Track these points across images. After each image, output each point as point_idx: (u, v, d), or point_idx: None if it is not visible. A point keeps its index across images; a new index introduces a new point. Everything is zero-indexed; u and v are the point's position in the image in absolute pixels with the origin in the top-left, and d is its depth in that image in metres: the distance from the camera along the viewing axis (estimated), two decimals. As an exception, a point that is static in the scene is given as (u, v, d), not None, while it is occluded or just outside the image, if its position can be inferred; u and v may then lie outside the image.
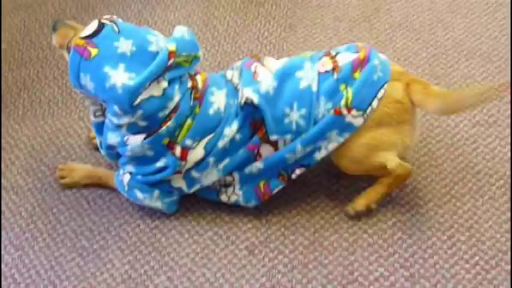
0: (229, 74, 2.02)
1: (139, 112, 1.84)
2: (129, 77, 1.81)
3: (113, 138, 1.95)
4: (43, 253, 2.01)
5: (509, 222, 1.98)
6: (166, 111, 1.87)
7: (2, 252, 2.02)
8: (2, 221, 2.10)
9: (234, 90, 1.96)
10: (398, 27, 2.70)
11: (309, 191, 2.09)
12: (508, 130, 2.24)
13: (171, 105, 1.87)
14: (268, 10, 2.83)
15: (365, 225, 2.00)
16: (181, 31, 1.92)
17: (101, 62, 1.83)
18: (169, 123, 1.88)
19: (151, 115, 1.86)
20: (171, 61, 1.84)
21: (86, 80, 1.85)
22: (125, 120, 1.87)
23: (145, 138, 1.90)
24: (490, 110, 2.31)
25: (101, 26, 1.86)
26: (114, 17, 1.93)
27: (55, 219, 2.10)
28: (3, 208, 2.14)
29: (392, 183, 1.98)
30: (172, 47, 1.85)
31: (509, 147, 2.19)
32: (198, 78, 1.96)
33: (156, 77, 1.83)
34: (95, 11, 2.90)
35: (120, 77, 1.81)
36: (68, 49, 1.92)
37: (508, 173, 2.11)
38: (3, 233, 2.07)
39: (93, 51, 1.83)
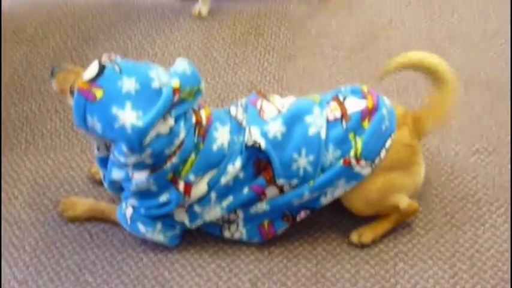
0: (233, 110, 2.04)
1: (148, 151, 1.85)
2: (137, 115, 1.82)
3: (117, 174, 1.97)
4: (47, 287, 2.02)
5: (511, 251, 1.98)
6: (172, 148, 1.88)
7: (6, 287, 2.03)
8: (6, 255, 2.12)
9: (238, 127, 1.98)
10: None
11: (311, 222, 2.10)
12: (508, 157, 2.26)
13: (177, 141, 1.88)
14: (267, 40, 2.86)
15: (367, 255, 2.01)
16: (182, 65, 1.94)
17: (107, 103, 1.83)
18: (173, 159, 1.89)
19: (158, 153, 1.87)
20: (176, 97, 1.86)
21: (93, 122, 1.86)
22: (132, 159, 1.87)
23: (150, 174, 1.91)
24: (489, 138, 2.33)
25: (102, 67, 1.87)
26: (113, 55, 1.95)
27: (58, 253, 2.11)
28: (6, 242, 2.15)
29: (399, 219, 2.03)
30: (176, 83, 1.86)
31: (509, 174, 2.20)
32: (202, 113, 1.97)
33: (163, 115, 1.85)
34: (96, 43, 2.93)
35: (128, 117, 1.82)
36: (71, 93, 1.93)
37: (509, 200, 2.12)
38: (6, 267, 2.08)
39: (98, 93, 1.84)
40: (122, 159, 1.89)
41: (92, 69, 1.87)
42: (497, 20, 2.85)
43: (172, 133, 1.87)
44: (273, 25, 2.88)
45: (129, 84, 1.84)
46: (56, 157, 2.43)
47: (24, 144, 2.50)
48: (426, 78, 2.04)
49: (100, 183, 2.28)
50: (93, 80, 1.85)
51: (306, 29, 2.90)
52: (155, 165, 1.90)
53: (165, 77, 1.89)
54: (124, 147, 1.85)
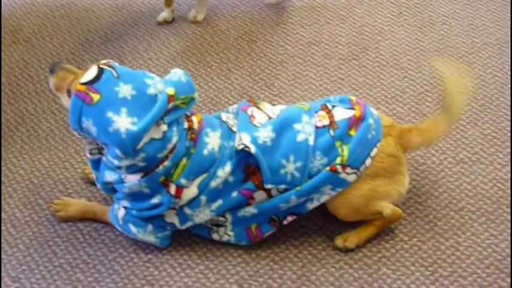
0: (224, 116, 2.09)
1: (141, 155, 1.90)
2: (132, 121, 1.87)
3: (110, 176, 2.02)
4: (39, 285, 2.06)
5: (490, 258, 2.05)
6: (165, 152, 1.93)
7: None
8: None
9: (229, 132, 2.03)
10: (386, 65, 2.78)
11: (297, 226, 2.15)
12: (491, 167, 2.32)
13: (170, 146, 1.93)
14: (260, 47, 2.91)
15: (351, 260, 2.07)
16: (178, 74, 1.99)
17: (103, 107, 1.88)
18: (166, 162, 1.94)
19: (151, 157, 1.92)
20: (170, 105, 1.91)
21: (88, 125, 1.91)
22: (125, 162, 1.92)
23: (142, 177, 1.96)
24: (473, 147, 2.39)
25: (101, 71, 1.92)
26: (111, 61, 2.00)
27: (51, 251, 2.16)
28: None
29: (383, 225, 2.09)
30: (171, 91, 1.92)
31: (491, 184, 2.26)
32: (194, 119, 2.03)
33: (157, 121, 1.90)
34: (92, 46, 2.98)
35: (123, 122, 1.87)
36: (68, 93, 1.98)
37: (490, 209, 2.18)
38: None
39: (95, 97, 1.89)
40: (115, 162, 1.94)
41: (91, 73, 1.92)
42: (486, 33, 2.91)
43: (165, 138, 1.92)
44: (266, 32, 2.94)
45: (125, 90, 1.89)
46: (50, 157, 2.48)
47: (19, 143, 2.55)
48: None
49: (93, 184, 2.33)
50: (91, 84, 1.90)
51: (298, 37, 2.96)
52: (148, 169, 1.95)
53: (160, 85, 1.95)
54: (117, 151, 1.90)
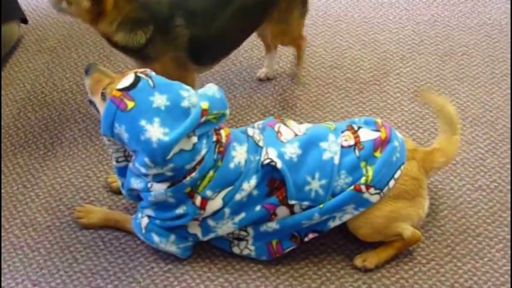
0: (250, 131, 2.12)
1: (170, 165, 1.93)
2: (164, 132, 1.89)
3: (136, 184, 2.04)
4: (59, 289, 2.09)
5: (508, 285, 2.07)
6: (193, 164, 1.96)
7: (20, 286, 2.10)
8: (21, 256, 2.19)
9: (255, 146, 2.06)
10: (406, 91, 2.82)
11: (317, 243, 2.17)
12: (509, 195, 2.34)
13: (198, 158, 1.96)
14: (283, 68, 2.95)
15: (369, 280, 2.09)
16: (212, 89, 2.01)
17: (137, 115, 1.90)
18: (193, 174, 1.97)
19: (180, 168, 1.95)
20: (203, 119, 1.93)
21: (121, 130, 1.93)
22: (153, 171, 1.95)
23: (168, 187, 1.99)
24: (492, 176, 2.42)
25: (137, 79, 1.95)
26: (148, 70, 2.03)
27: (72, 257, 2.18)
28: (22, 244, 2.23)
29: (402, 247, 2.11)
30: (205, 105, 1.94)
31: (509, 212, 2.29)
32: (222, 133, 2.05)
33: (188, 133, 1.92)
34: (117, 58, 3.02)
35: (155, 132, 1.89)
36: (103, 96, 2.00)
37: (508, 236, 2.21)
38: (21, 267, 2.15)
39: (130, 104, 1.91)
40: (143, 169, 1.96)
41: (127, 80, 1.94)
42: (505, 64, 2.95)
43: (194, 150, 1.95)
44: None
45: (160, 100, 1.92)
46: (73, 165, 2.51)
47: (42, 150, 2.58)
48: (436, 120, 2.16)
49: (115, 193, 2.37)
50: (127, 90, 1.92)
51: (320, 60, 3.00)
52: (175, 179, 1.97)
53: (195, 98, 1.97)
54: (146, 159, 1.92)
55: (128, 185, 2.09)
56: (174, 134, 1.89)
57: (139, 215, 2.13)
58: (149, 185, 2.01)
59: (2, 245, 2.22)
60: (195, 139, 1.95)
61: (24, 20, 3.15)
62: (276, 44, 2.76)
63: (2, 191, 2.41)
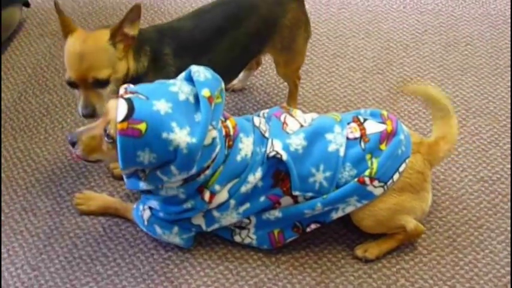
0: (256, 120, 2.10)
1: (194, 169, 1.89)
2: (188, 132, 1.83)
3: (146, 186, 1.98)
4: (59, 275, 2.08)
5: (509, 276, 2.06)
6: (209, 162, 1.93)
7: (19, 271, 2.09)
8: (21, 241, 2.18)
9: (261, 138, 2.04)
10: (409, 81, 2.80)
11: (318, 233, 2.17)
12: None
13: (214, 155, 1.93)
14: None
15: (370, 270, 2.08)
16: (201, 72, 1.94)
17: (155, 131, 1.82)
18: (207, 171, 1.94)
19: (200, 169, 1.92)
20: (212, 106, 1.89)
21: (145, 155, 1.84)
22: (178, 177, 1.90)
23: (181, 185, 1.95)
24: (494, 167, 2.41)
25: (130, 102, 1.84)
26: (126, 86, 1.93)
27: (72, 243, 2.18)
28: (22, 228, 2.22)
29: (404, 239, 2.11)
30: (206, 92, 1.89)
31: (510, 204, 2.28)
32: (229, 124, 2.02)
33: (208, 126, 1.87)
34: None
35: (181, 137, 1.82)
36: (109, 138, 1.90)
37: (509, 228, 2.20)
38: (21, 252, 2.15)
39: (142, 127, 1.81)
40: (165, 178, 1.90)
41: (122, 108, 1.83)
42: (509, 55, 2.93)
43: (213, 145, 1.90)
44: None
45: (162, 106, 1.84)
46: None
47: (43, 134, 2.57)
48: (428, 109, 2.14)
49: (116, 178, 2.36)
50: (129, 117, 1.82)
51: (324, 48, 2.99)
52: (189, 177, 1.95)
53: (185, 87, 1.92)
54: (173, 167, 1.87)
55: (136, 187, 2.02)
56: (198, 133, 1.84)
57: (141, 206, 2.11)
58: (160, 185, 1.97)
59: (2, 229, 2.21)
60: (214, 133, 1.90)
61: (27, 4, 3.13)
62: (281, 73, 2.56)
63: (3, 175, 2.41)
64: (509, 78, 2.82)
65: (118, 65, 2.07)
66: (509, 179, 2.37)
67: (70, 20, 2.12)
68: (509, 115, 2.63)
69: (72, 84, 2.10)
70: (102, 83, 2.05)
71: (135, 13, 2.07)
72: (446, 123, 2.14)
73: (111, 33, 2.06)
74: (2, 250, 2.15)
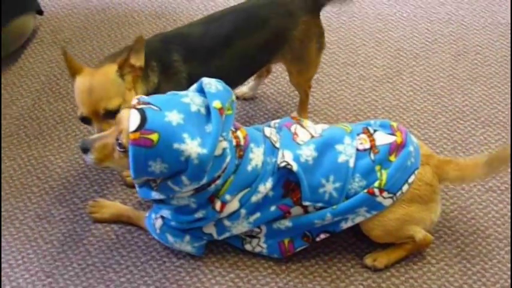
0: (267, 130, 2.12)
1: (205, 179, 1.91)
2: (199, 143, 1.86)
3: (158, 195, 2.02)
4: (72, 282, 2.12)
5: (516, 287, 2.09)
6: (220, 172, 1.96)
7: (34, 278, 2.13)
8: (35, 248, 2.22)
9: (272, 148, 2.06)
10: (419, 90, 2.83)
11: (328, 242, 2.19)
12: (519, 198, 2.36)
13: (224, 165, 1.96)
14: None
15: (379, 279, 2.11)
16: (212, 84, 1.97)
17: (167, 142, 1.84)
18: (218, 181, 1.97)
19: (210, 179, 1.94)
20: (223, 117, 1.92)
21: (156, 165, 1.87)
22: (189, 188, 1.93)
23: (192, 195, 1.98)
24: (502, 177, 2.43)
25: (142, 112, 1.86)
26: (139, 97, 1.95)
27: (85, 250, 2.21)
28: (36, 236, 2.26)
29: (413, 249, 2.14)
30: (217, 104, 1.91)
31: (518, 214, 2.31)
32: (239, 134, 2.04)
33: (219, 137, 1.90)
34: (131, 51, 3.03)
35: (192, 148, 1.85)
36: (121, 148, 1.91)
37: (517, 239, 2.23)
38: (35, 259, 2.18)
39: (154, 137, 1.84)
40: (176, 188, 1.93)
41: (134, 118, 1.86)
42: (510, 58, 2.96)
43: (223, 155, 1.94)
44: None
45: (174, 117, 1.87)
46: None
47: (57, 142, 2.61)
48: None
49: (129, 186, 2.39)
50: (141, 128, 1.84)
51: (334, 56, 3.01)
52: (200, 187, 1.97)
53: (197, 99, 1.94)
54: (184, 178, 1.90)
55: (148, 196, 2.05)
56: (209, 144, 1.87)
57: (153, 215, 2.15)
58: (171, 195, 2.00)
59: (16, 236, 2.25)
60: (224, 143, 1.93)
61: (40, 12, 3.17)
62: (293, 82, 2.59)
63: (16, 182, 2.44)
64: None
65: (127, 95, 2.10)
66: (518, 188, 2.40)
67: (75, 61, 2.14)
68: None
69: (85, 120, 2.12)
70: (114, 113, 2.04)
71: (140, 44, 2.09)
72: (475, 159, 2.15)
73: (119, 66, 2.09)
74: (17, 257, 2.19)
